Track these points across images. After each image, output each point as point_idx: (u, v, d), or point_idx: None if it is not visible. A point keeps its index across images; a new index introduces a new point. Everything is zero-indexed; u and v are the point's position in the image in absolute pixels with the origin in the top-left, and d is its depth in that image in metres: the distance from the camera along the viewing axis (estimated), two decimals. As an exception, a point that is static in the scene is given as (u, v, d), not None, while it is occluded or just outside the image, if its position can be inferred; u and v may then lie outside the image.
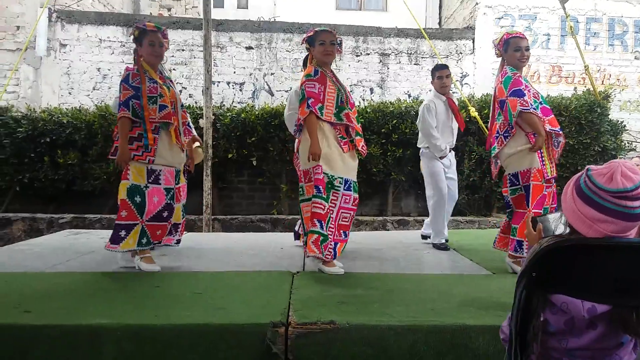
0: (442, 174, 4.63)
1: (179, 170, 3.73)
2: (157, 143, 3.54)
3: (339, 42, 3.73)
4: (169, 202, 3.62)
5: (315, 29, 3.75)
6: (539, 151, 3.59)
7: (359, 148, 3.74)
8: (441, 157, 4.61)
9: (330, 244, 3.52)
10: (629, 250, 1.27)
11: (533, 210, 3.49)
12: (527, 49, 3.84)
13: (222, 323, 2.45)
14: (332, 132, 3.63)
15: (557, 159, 3.80)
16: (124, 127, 3.49)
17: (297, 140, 3.96)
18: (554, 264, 1.27)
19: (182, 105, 3.79)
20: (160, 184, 3.58)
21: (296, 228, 4.59)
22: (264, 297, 2.91)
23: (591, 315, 1.30)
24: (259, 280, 3.38)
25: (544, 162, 3.63)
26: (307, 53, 3.85)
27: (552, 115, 3.73)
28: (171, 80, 3.81)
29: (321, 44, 3.64)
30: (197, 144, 4.04)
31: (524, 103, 3.55)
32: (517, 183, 3.67)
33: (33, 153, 6.90)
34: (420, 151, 4.79)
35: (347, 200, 3.64)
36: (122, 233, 3.52)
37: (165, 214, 3.62)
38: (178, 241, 3.94)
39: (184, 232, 4.03)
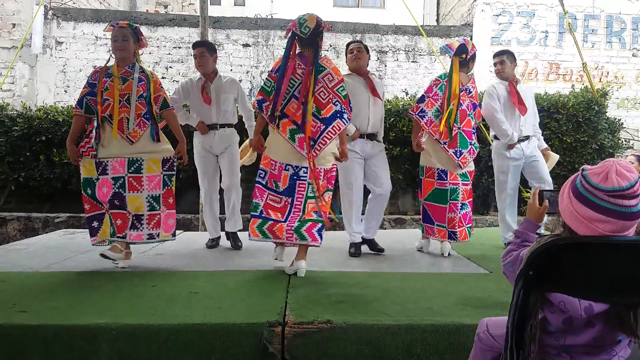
0: (508, 172, 4.59)
1: (135, 160, 3.65)
2: (100, 136, 3.62)
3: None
4: (117, 190, 3.59)
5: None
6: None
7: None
8: (509, 147, 4.51)
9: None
10: (626, 249, 1.27)
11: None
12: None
13: (218, 322, 2.44)
14: None
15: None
16: (73, 124, 3.74)
17: None
18: (551, 263, 1.27)
19: (144, 97, 3.70)
20: (107, 174, 3.62)
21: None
22: (260, 297, 2.90)
23: (588, 315, 1.30)
24: (256, 280, 3.38)
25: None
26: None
27: (467, 119, 4.26)
28: (144, 74, 3.74)
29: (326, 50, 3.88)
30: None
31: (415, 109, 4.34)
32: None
33: (28, 152, 6.86)
34: (492, 144, 4.81)
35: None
36: (95, 224, 3.69)
37: (116, 202, 3.59)
38: (150, 236, 3.70)
39: (172, 230, 3.80)
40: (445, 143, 4.14)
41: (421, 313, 2.60)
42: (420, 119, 4.24)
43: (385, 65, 9.74)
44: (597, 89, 7.28)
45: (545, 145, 4.91)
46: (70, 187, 6.88)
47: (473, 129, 4.29)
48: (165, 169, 3.73)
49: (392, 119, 7.08)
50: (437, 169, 4.20)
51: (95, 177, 3.63)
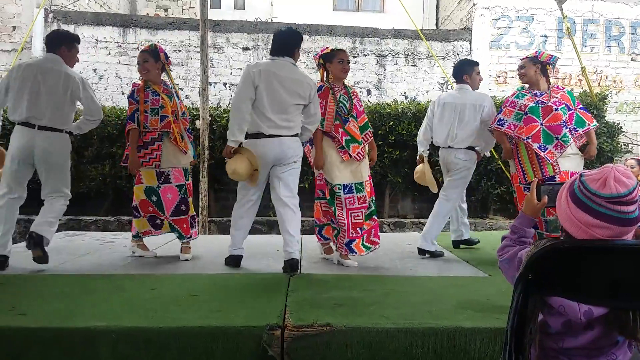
0: None
1: (185, 169, 4.17)
2: (161, 149, 4.00)
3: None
4: (182, 196, 4.10)
5: (331, 48, 4.08)
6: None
7: (353, 155, 3.90)
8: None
9: (342, 239, 3.93)
10: (625, 253, 1.27)
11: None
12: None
13: (217, 325, 2.44)
14: (330, 143, 3.94)
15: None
16: (132, 137, 3.98)
17: (305, 148, 4.14)
18: (550, 267, 1.27)
19: (183, 113, 4.22)
20: (171, 182, 4.05)
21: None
22: (259, 300, 2.90)
23: (588, 318, 1.30)
24: (255, 283, 3.38)
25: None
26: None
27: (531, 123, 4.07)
28: (176, 91, 4.24)
29: (340, 62, 3.98)
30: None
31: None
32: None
33: (29, 154, 6.85)
34: None
35: (352, 202, 3.92)
36: (151, 225, 4.17)
37: (183, 208, 4.10)
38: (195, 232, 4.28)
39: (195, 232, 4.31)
40: (529, 138, 4.01)
41: (420, 316, 2.60)
42: (499, 127, 4.14)
43: (385, 69, 9.76)
44: (596, 93, 7.30)
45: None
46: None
47: (564, 122, 4.00)
48: (186, 178, 4.21)
49: (392, 122, 7.09)
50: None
51: (156, 186, 4.03)
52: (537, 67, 4.13)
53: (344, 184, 3.90)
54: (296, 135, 3.80)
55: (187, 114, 4.34)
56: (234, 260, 3.86)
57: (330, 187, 3.95)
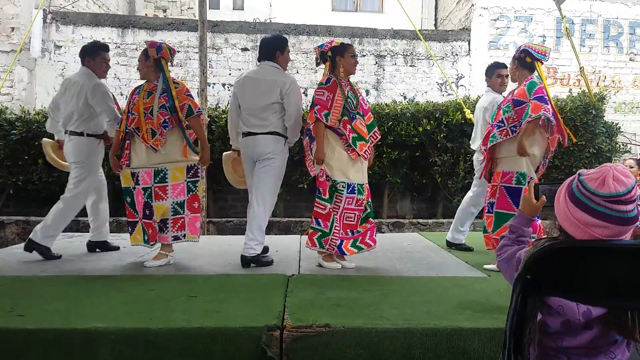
0: None
1: (160, 170, 3.90)
2: (129, 148, 3.97)
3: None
4: (146, 200, 3.89)
5: (341, 42, 4.04)
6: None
7: (361, 153, 3.87)
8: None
9: (334, 241, 3.81)
10: (623, 253, 1.27)
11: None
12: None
13: (216, 326, 2.44)
14: (337, 139, 3.84)
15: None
16: (114, 139, 4.14)
17: (304, 141, 4.07)
18: (549, 267, 1.27)
19: (166, 107, 3.89)
20: (139, 184, 3.91)
21: None
22: (259, 300, 2.90)
23: (587, 319, 1.30)
24: (254, 283, 3.38)
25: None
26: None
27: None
28: (169, 85, 3.96)
29: (352, 56, 3.95)
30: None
31: (548, 110, 3.78)
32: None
33: (27, 155, 6.86)
34: None
35: (350, 202, 3.85)
36: (129, 229, 4.06)
37: (147, 212, 3.89)
38: (175, 237, 3.96)
39: (199, 233, 4.07)
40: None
41: (419, 317, 2.60)
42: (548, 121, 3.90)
43: (384, 70, 9.76)
44: (595, 93, 7.31)
45: None
46: (68, 190, 6.87)
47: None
48: (189, 176, 3.98)
49: (391, 122, 7.09)
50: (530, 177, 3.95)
51: (132, 187, 3.96)
52: (515, 63, 4.08)
53: (347, 183, 3.82)
54: (273, 133, 3.93)
55: (189, 107, 3.95)
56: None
57: (332, 184, 3.81)
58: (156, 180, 3.88)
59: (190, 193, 3.98)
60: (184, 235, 3.97)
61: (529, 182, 3.75)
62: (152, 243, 3.95)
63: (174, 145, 3.94)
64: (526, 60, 3.96)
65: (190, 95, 4.03)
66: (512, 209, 3.78)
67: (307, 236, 3.95)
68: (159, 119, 3.87)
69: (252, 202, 3.96)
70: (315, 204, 3.85)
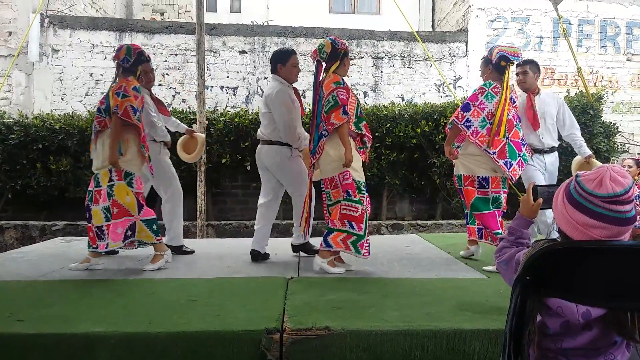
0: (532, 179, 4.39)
1: (96, 175, 3.87)
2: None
3: None
4: (87, 203, 3.87)
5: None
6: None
7: (366, 154, 4.02)
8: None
9: (367, 243, 3.75)
10: (622, 254, 1.27)
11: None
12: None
13: (216, 330, 2.44)
14: (352, 140, 3.85)
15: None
16: None
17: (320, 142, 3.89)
18: (548, 268, 1.27)
19: (101, 110, 3.86)
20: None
21: (293, 241, 4.49)
22: (258, 303, 2.90)
23: (586, 320, 1.30)
24: (254, 286, 3.37)
25: None
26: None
27: (515, 129, 4.09)
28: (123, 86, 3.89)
29: (351, 59, 4.00)
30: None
31: (456, 115, 4.08)
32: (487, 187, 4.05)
33: (25, 160, 6.85)
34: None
35: (368, 201, 3.93)
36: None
37: (87, 215, 3.87)
38: (107, 245, 3.75)
39: (120, 239, 3.77)
40: (494, 153, 3.95)
41: (419, 318, 2.60)
42: (466, 129, 4.02)
43: (381, 71, 9.76)
44: (592, 94, 7.32)
45: (589, 153, 4.78)
46: (67, 194, 6.87)
47: (522, 140, 4.12)
48: (108, 181, 3.81)
49: (389, 124, 7.10)
50: (478, 176, 4.04)
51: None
52: (489, 67, 4.21)
53: (364, 182, 3.86)
54: (269, 142, 4.16)
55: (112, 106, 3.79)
56: (253, 256, 4.26)
57: (357, 185, 3.74)
58: (94, 185, 3.85)
59: (111, 198, 3.77)
60: (107, 245, 3.79)
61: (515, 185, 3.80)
62: (94, 247, 3.77)
63: (102, 149, 3.87)
64: (501, 64, 4.06)
65: (122, 95, 3.78)
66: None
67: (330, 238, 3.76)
68: (94, 123, 3.94)
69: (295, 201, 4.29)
70: (344, 207, 3.71)
